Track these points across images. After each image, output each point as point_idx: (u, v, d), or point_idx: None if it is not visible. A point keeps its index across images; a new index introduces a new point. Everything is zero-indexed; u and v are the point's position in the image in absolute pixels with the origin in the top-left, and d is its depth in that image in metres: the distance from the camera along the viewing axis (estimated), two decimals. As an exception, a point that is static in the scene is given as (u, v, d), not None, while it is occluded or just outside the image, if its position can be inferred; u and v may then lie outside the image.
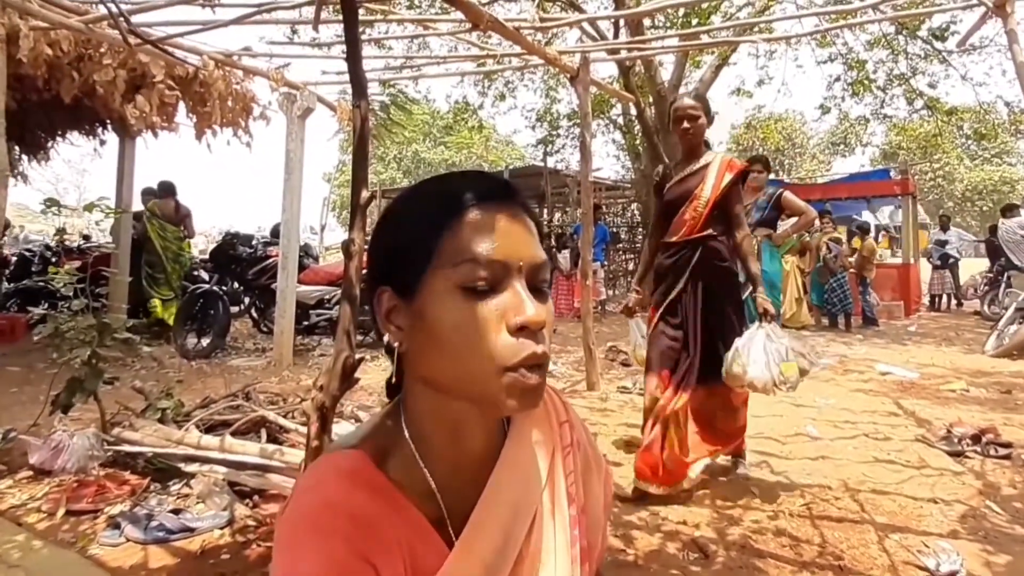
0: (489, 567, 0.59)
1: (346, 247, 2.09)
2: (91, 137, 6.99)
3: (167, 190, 6.72)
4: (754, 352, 2.33)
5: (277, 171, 5.59)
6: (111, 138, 6.70)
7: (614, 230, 11.88)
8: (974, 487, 2.57)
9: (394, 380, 0.63)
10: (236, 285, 7.14)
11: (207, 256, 7.77)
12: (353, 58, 2.26)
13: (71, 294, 3.01)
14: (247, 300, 7.08)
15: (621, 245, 12.11)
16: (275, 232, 7.18)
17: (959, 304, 10.89)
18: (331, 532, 0.53)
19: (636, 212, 12.24)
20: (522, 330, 0.54)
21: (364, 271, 0.66)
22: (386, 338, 0.60)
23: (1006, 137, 19.74)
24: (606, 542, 0.80)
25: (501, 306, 0.54)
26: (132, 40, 3.51)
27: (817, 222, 7.48)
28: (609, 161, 34.82)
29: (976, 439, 3.03)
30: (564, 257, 10.22)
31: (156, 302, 6.33)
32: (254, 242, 7.35)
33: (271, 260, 6.33)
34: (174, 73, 5.19)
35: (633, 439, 3.10)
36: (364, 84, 2.25)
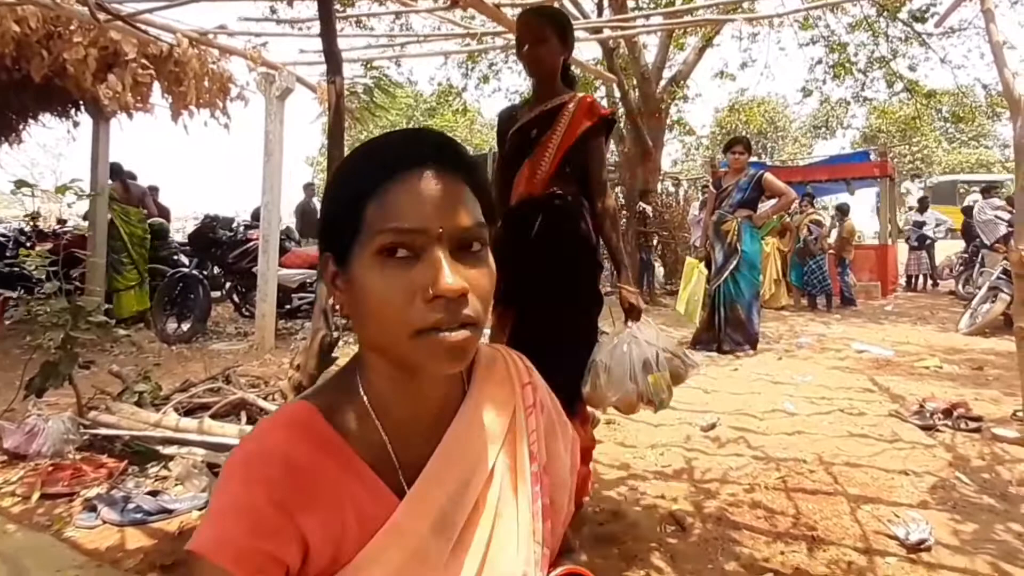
0: (443, 515, 0.61)
1: (322, 225, 2.08)
2: (64, 119, 6.82)
3: (114, 172, 6.52)
4: (615, 362, 1.84)
5: (258, 154, 5.51)
6: (85, 120, 6.55)
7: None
8: (944, 459, 2.63)
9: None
10: (217, 269, 7.05)
11: (187, 240, 7.66)
12: (327, 34, 2.23)
13: (44, 277, 2.96)
14: (228, 284, 7.00)
15: (605, 228, 12.12)
16: (256, 215, 7.09)
17: (935, 284, 11.10)
18: (257, 480, 0.55)
19: (620, 195, 12.23)
20: (436, 300, 0.54)
21: None
22: (330, 300, 0.62)
23: (983, 120, 19.96)
24: (572, 505, 0.81)
25: (419, 275, 0.55)
26: (101, 16, 3.42)
27: (796, 204, 7.56)
28: (593, 144, 34.56)
29: (947, 413, 3.10)
30: (547, 240, 10.21)
31: (129, 296, 6.19)
32: (234, 225, 7.25)
33: (252, 243, 6.25)
34: (147, 52, 5.06)
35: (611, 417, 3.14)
36: (339, 60, 2.22)
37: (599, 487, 2.39)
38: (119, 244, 6.22)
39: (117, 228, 6.21)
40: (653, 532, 2.04)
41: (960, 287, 8.96)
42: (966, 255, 9.40)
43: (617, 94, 11.24)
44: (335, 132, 2.07)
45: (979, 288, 6.45)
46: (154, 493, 2.26)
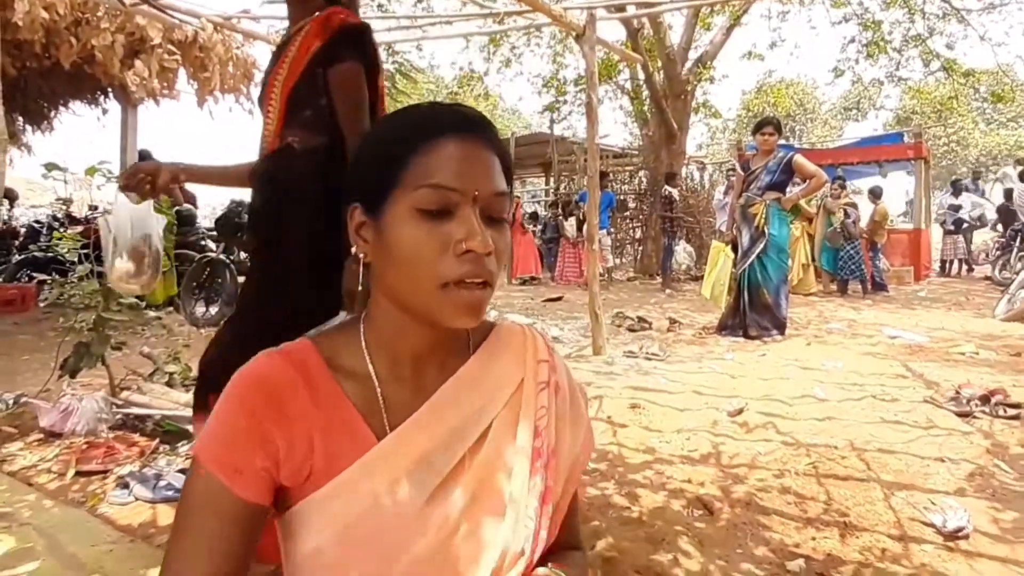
0: (424, 460, 0.63)
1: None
2: (93, 106, 6.95)
3: (145, 159, 6.62)
4: None
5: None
6: (114, 107, 6.65)
7: (621, 197, 11.76)
8: (982, 446, 2.55)
9: (359, 287, 0.68)
10: (243, 254, 7.14)
11: (213, 225, 7.76)
12: (351, 12, 2.20)
13: (76, 260, 3.01)
14: (254, 269, 7.09)
15: (628, 213, 12.01)
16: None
17: (970, 269, 10.78)
18: (242, 400, 0.61)
19: (643, 179, 12.09)
20: (467, 254, 0.59)
21: None
22: (353, 249, 0.66)
23: (1024, 99, 19.26)
24: (576, 500, 0.80)
25: (451, 231, 0.60)
26: (127, 0, 3.45)
27: (828, 187, 7.38)
28: (617, 128, 34.44)
29: (985, 400, 3.00)
30: (571, 224, 10.14)
31: (159, 283, 6.27)
32: (260, 211, 7.32)
33: (277, 228, 6.30)
34: (173, 37, 5.11)
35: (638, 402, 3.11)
36: (362, 39, 2.19)
37: (624, 471, 2.36)
38: None
39: None
40: (680, 516, 2.02)
41: (996, 272, 8.70)
42: (1003, 239, 9.12)
43: (642, 75, 11.06)
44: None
45: (1017, 273, 6.24)
46: (185, 471, 2.29)
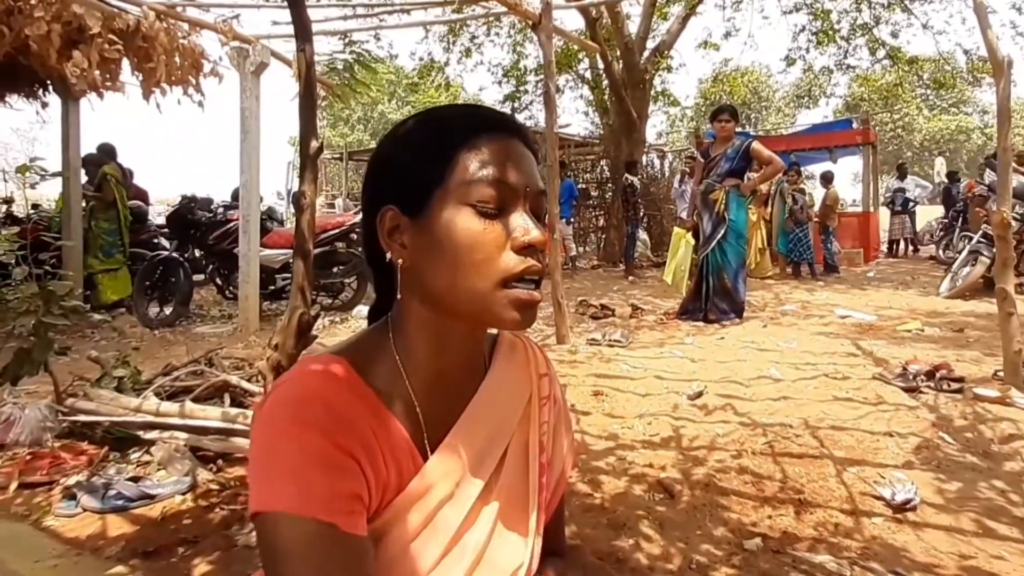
0: (459, 485, 0.62)
1: (296, 200, 2.02)
2: (32, 99, 6.61)
3: (110, 153, 6.37)
4: None
5: (236, 133, 5.36)
6: (54, 101, 6.34)
7: (583, 186, 11.81)
8: (928, 420, 2.66)
9: (398, 296, 0.63)
10: (197, 251, 6.93)
11: (165, 222, 7.50)
12: (295, 0, 2.14)
13: (13, 262, 2.88)
14: (210, 266, 6.89)
15: (591, 201, 12.08)
16: (236, 196, 6.95)
17: (915, 250, 11.25)
18: (310, 423, 0.53)
19: (605, 168, 12.16)
20: (525, 249, 0.58)
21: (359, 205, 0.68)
22: (388, 256, 0.61)
23: (964, 86, 19.99)
24: (563, 505, 0.81)
25: (508, 226, 0.58)
26: (60, -12, 3.28)
27: (782, 174, 7.55)
28: (578, 117, 34.69)
29: (930, 375, 3.12)
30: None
31: (115, 280, 6.05)
32: (214, 206, 7.11)
33: (232, 224, 6.13)
34: (114, 26, 4.88)
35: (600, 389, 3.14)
36: (308, 28, 2.14)
37: (587, 458, 2.38)
38: (114, 228, 6.07)
39: (116, 210, 6.06)
40: (642, 500, 2.04)
41: (940, 252, 9.07)
42: (946, 221, 9.51)
43: (601, 65, 11.10)
44: (306, 104, 2.00)
45: (959, 252, 6.51)
46: (136, 479, 2.22)
